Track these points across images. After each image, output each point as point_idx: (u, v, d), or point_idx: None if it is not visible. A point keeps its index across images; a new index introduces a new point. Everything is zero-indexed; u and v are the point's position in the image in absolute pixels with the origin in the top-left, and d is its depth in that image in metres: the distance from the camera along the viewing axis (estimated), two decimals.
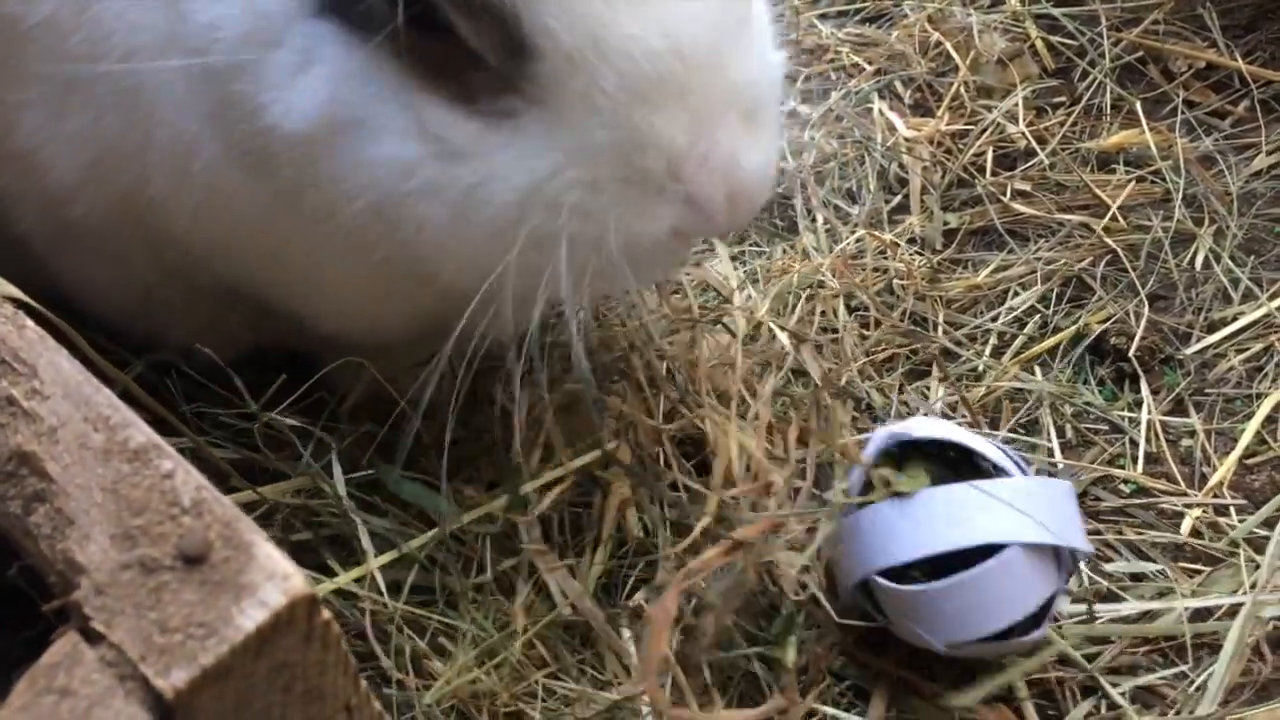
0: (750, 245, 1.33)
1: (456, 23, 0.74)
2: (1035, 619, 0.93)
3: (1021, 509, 0.91)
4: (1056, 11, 1.54)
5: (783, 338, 1.18)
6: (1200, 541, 1.08)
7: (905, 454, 0.98)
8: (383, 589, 0.88)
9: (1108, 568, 1.06)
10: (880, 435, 0.98)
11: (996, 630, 0.91)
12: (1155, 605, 1.03)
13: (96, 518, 0.62)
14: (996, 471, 0.95)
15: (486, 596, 0.94)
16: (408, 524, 0.94)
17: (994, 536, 0.90)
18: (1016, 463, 0.97)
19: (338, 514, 0.90)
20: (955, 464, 0.97)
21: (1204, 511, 1.09)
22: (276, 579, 0.58)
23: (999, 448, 0.97)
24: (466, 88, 0.77)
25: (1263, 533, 1.07)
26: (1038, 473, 1.05)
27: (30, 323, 0.73)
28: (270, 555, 0.59)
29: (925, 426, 0.97)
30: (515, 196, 0.78)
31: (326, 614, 0.60)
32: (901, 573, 0.92)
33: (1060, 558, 0.94)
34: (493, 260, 0.79)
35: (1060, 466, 1.13)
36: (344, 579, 0.87)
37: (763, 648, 0.95)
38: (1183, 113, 1.43)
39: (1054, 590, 0.93)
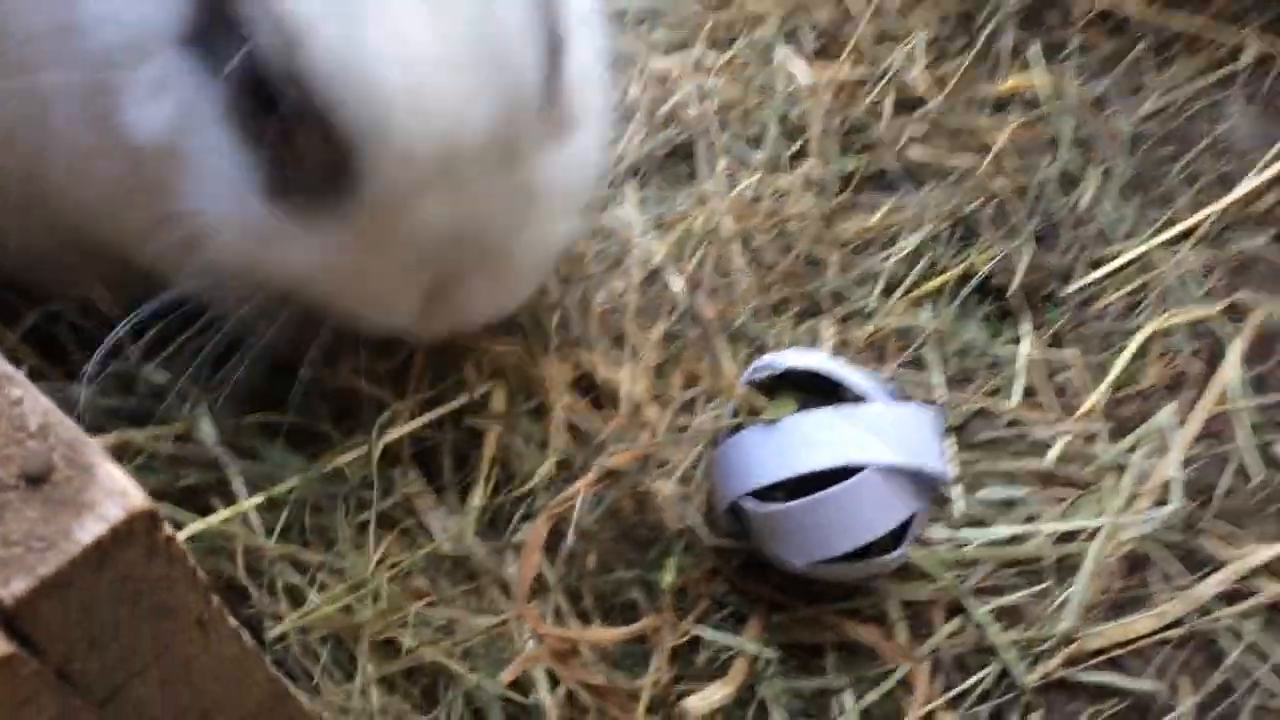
0: (649, 192, 1.36)
1: (299, 131, 0.81)
2: (894, 539, 0.98)
3: (880, 433, 0.95)
4: None
5: (675, 283, 1.22)
6: (1071, 468, 1.12)
7: (778, 385, 1.02)
8: (256, 529, 0.91)
9: (980, 495, 1.11)
10: (753, 367, 1.03)
11: (854, 548, 0.96)
12: (1022, 529, 1.08)
13: None
14: (863, 401, 0.99)
15: (368, 537, 0.97)
16: (286, 468, 0.97)
17: (851, 459, 0.94)
18: (886, 392, 1.01)
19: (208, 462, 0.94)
20: (826, 394, 1.01)
21: (1073, 439, 1.13)
22: (116, 496, 0.61)
23: (868, 378, 1.01)
24: (289, 170, 0.85)
25: (1129, 460, 1.12)
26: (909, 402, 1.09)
27: None
28: (111, 474, 0.62)
29: (795, 358, 1.02)
30: (295, 272, 0.88)
31: (169, 531, 0.63)
32: (768, 496, 0.97)
33: (920, 482, 0.98)
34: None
35: (942, 400, 1.18)
36: (216, 518, 0.90)
37: (641, 571, 0.99)
38: (1079, 57, 1.46)
39: (912, 512, 0.98)
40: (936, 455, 0.99)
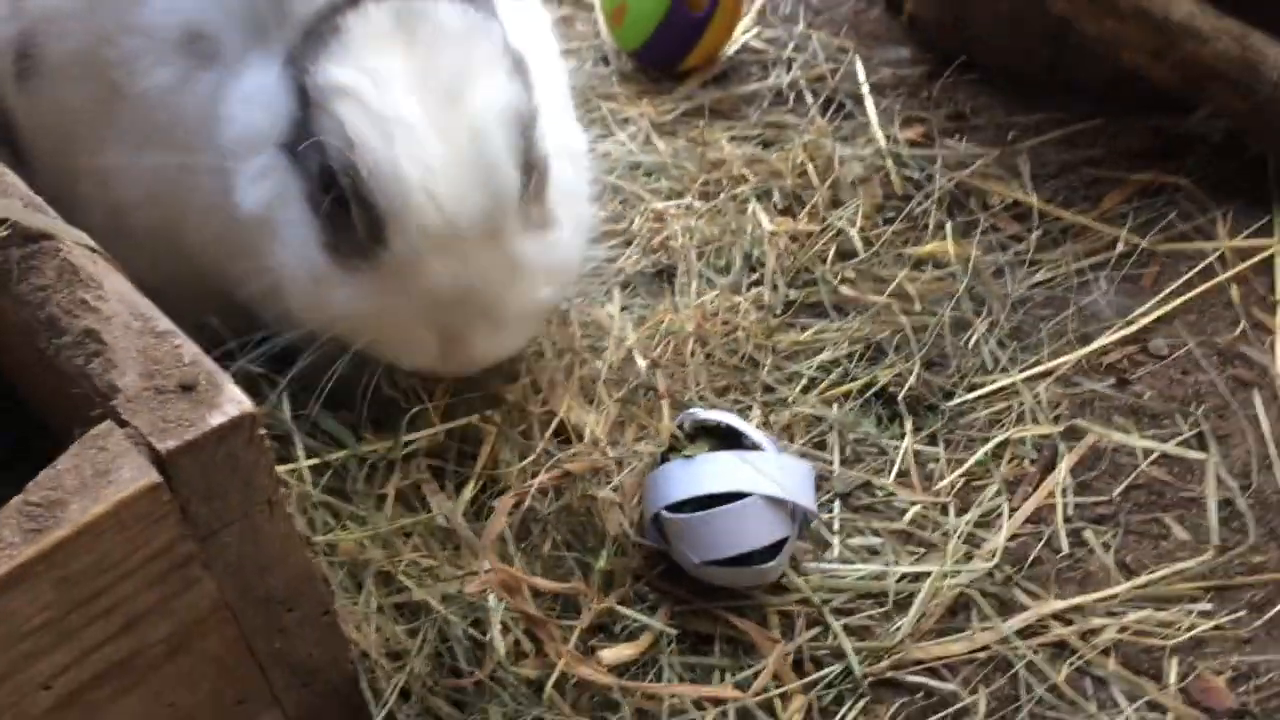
0: (638, 300, 1.74)
1: (353, 207, 1.20)
2: (769, 553, 1.30)
3: (766, 473, 1.29)
4: (906, 152, 1.98)
5: (640, 362, 1.58)
6: (924, 532, 1.45)
7: (699, 433, 1.37)
8: (306, 481, 1.26)
9: (851, 542, 1.44)
10: (680, 417, 1.38)
11: (737, 553, 1.28)
12: (878, 569, 1.40)
13: (131, 366, 1.01)
14: (758, 450, 1.34)
15: (385, 504, 1.32)
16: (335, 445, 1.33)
17: (743, 486, 1.28)
18: (776, 448, 1.36)
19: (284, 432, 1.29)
20: (732, 442, 1.36)
21: (928, 510, 1.46)
22: (234, 403, 0.97)
23: (765, 436, 1.36)
24: (342, 237, 1.24)
25: (968, 529, 1.44)
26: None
27: (100, 257, 1.13)
28: (234, 391, 0.98)
29: (711, 413, 1.37)
30: (342, 310, 1.25)
31: (263, 431, 0.98)
32: (680, 510, 1.30)
33: (795, 515, 1.32)
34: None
35: (836, 473, 1.51)
36: (282, 468, 1.25)
37: (580, 554, 1.32)
38: (988, 235, 1.84)
39: (785, 535, 1.31)
40: (808, 496, 1.33)
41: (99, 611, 0.94)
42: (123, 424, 0.95)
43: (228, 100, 1.30)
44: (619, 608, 1.31)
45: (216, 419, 0.95)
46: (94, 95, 1.42)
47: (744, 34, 2.36)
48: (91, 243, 1.16)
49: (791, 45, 2.33)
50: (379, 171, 1.17)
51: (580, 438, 1.44)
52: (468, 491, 1.35)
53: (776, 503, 1.29)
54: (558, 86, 1.48)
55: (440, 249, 1.20)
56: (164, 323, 1.05)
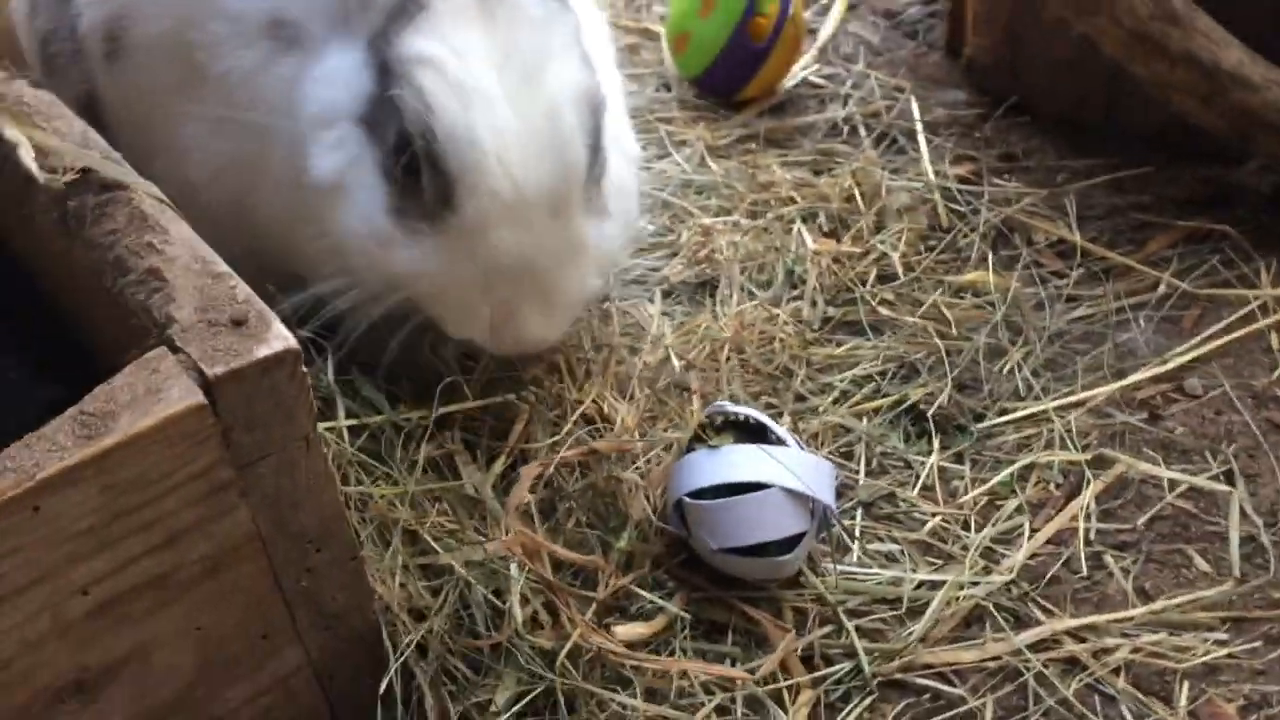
0: (679, 307, 1.78)
1: (424, 170, 1.26)
2: (787, 545, 1.33)
3: (788, 467, 1.32)
4: (954, 187, 2.01)
5: (676, 362, 1.62)
6: (944, 544, 1.46)
7: (724, 425, 1.40)
8: (345, 441, 1.31)
9: (870, 548, 1.45)
10: (708, 409, 1.41)
11: (756, 543, 1.31)
12: (894, 575, 1.41)
13: (188, 301, 1.07)
14: (781, 443, 1.37)
15: (419, 471, 1.36)
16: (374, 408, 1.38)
17: (764, 478, 1.31)
18: (798, 444, 1.38)
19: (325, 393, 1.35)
20: (756, 436, 1.39)
21: (950, 523, 1.48)
22: (280, 338, 1.02)
23: (787, 433, 1.39)
24: (409, 202, 1.29)
25: (988, 545, 1.45)
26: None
27: (168, 207, 1.20)
28: (280, 328, 1.03)
29: (736, 407, 1.40)
30: (404, 270, 1.30)
31: (305, 368, 1.03)
32: (701, 496, 1.33)
33: (814, 511, 1.34)
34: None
35: (861, 482, 1.53)
36: (322, 425, 1.29)
37: (602, 533, 1.35)
38: (1030, 270, 1.87)
39: (804, 529, 1.33)
40: (828, 492, 1.35)
41: (140, 523, 0.99)
42: (176, 350, 1.01)
43: (307, 81, 1.37)
44: (636, 588, 1.34)
45: (262, 351, 1.01)
46: (176, 76, 1.51)
47: (803, 69, 2.42)
48: (160, 193, 1.23)
49: (849, 82, 2.38)
50: (454, 135, 1.23)
51: (611, 426, 1.48)
52: (498, 465, 1.39)
53: (796, 496, 1.32)
54: (616, 91, 1.54)
55: (506, 217, 1.25)
56: (222, 266, 1.11)
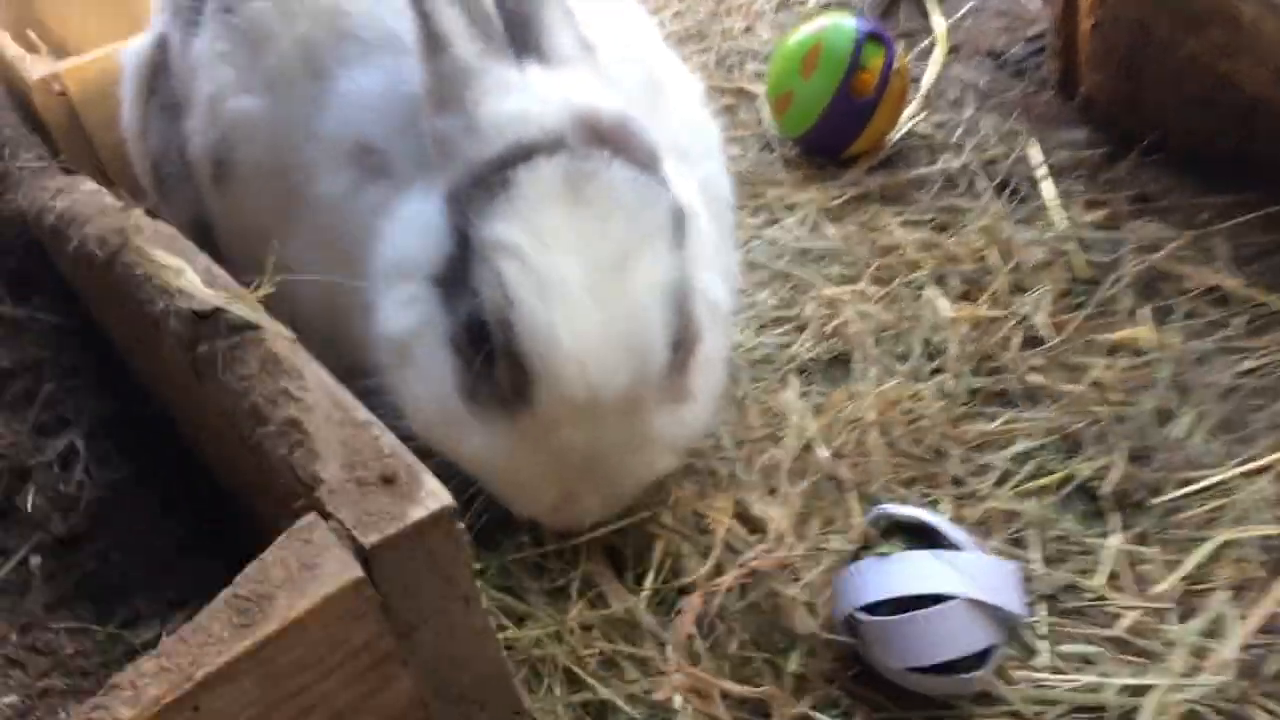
0: (814, 387, 1.69)
1: (499, 361, 1.19)
2: (976, 660, 1.21)
3: (969, 575, 1.21)
4: (1088, 235, 1.89)
5: (822, 452, 1.52)
6: (1142, 640, 1.33)
7: (891, 529, 1.30)
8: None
9: (1061, 649, 1.33)
10: (873, 513, 1.31)
11: (942, 661, 1.20)
12: (1095, 680, 1.29)
13: (333, 456, 1.01)
14: (954, 547, 1.26)
15: (557, 598, 1.29)
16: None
17: (944, 588, 1.20)
18: (975, 545, 1.27)
19: None
20: (927, 541, 1.28)
21: (1146, 616, 1.35)
22: (435, 496, 0.95)
23: (962, 533, 1.28)
24: (481, 384, 1.22)
25: (1193, 638, 1.32)
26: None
27: (300, 346, 1.14)
28: (433, 484, 0.96)
29: (905, 510, 1.30)
30: (472, 455, 1.24)
31: (461, 525, 0.96)
32: (875, 611, 1.23)
33: (999, 618, 1.23)
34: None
35: (1039, 573, 1.41)
36: None
37: (769, 655, 1.26)
38: (1184, 320, 1.73)
39: (992, 642, 1.22)
40: (1016, 599, 1.23)
41: (299, 710, 0.93)
42: (326, 516, 0.95)
43: (389, 218, 1.32)
44: (813, 713, 1.24)
45: (417, 513, 0.94)
46: (277, 196, 1.47)
47: (910, 119, 2.32)
48: (291, 334, 1.18)
49: (960, 129, 2.28)
50: (534, 333, 1.16)
51: (761, 531, 1.39)
52: (649, 582, 1.30)
53: (981, 606, 1.21)
54: (719, 233, 1.45)
55: (579, 416, 1.18)
56: (363, 413, 1.05)
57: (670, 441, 1.26)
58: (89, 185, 1.51)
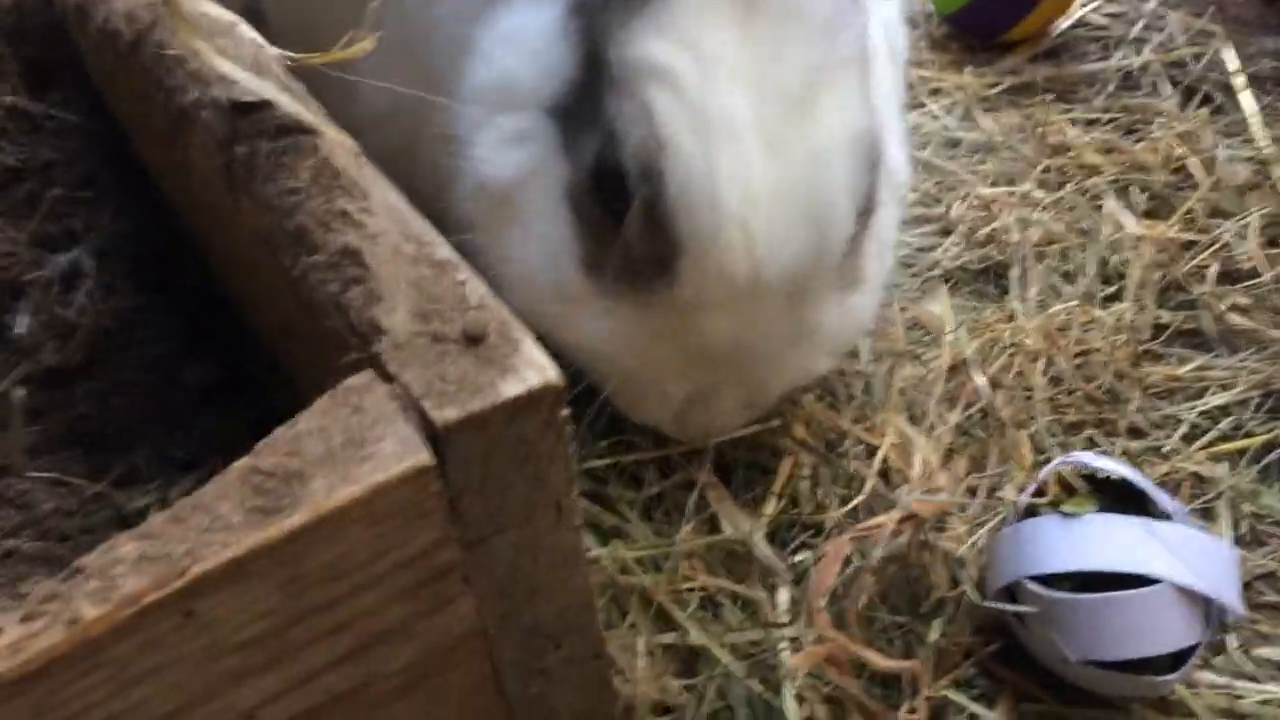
0: (958, 301, 1.41)
1: (638, 223, 0.90)
2: (1172, 662, 0.96)
3: (1181, 554, 0.95)
4: None
5: (979, 378, 1.25)
6: None
7: (1081, 484, 1.03)
8: None
9: (1256, 652, 1.07)
10: (1059, 460, 1.04)
11: (1135, 656, 0.94)
12: None
13: (401, 300, 0.75)
14: (1165, 517, 0.99)
15: (657, 518, 1.04)
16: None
17: (1149, 569, 0.94)
18: (1186, 518, 1.01)
19: None
20: (1125, 503, 1.01)
21: None
22: (535, 367, 0.69)
23: (1170, 498, 1.01)
24: (606, 251, 0.93)
25: None
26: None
27: (369, 164, 0.88)
28: (534, 350, 0.70)
29: (1103, 461, 1.03)
30: (588, 343, 0.97)
31: (566, 411, 0.71)
32: (1052, 585, 0.97)
33: (1210, 615, 0.97)
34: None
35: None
36: None
37: (909, 620, 1.01)
38: None
39: (1197, 640, 0.96)
40: (1235, 592, 0.97)
41: (327, 628, 0.69)
42: (388, 378, 0.69)
43: (488, 32, 1.02)
44: (954, 695, 0.99)
45: (511, 387, 0.68)
46: None
47: (1083, 6, 1.99)
48: (357, 146, 0.91)
49: (1141, 23, 1.95)
50: (688, 187, 0.87)
51: (900, 468, 1.13)
52: (768, 507, 1.05)
53: (1191, 597, 0.95)
54: (895, 91, 1.15)
55: (735, 298, 0.91)
56: (445, 250, 0.78)
57: (834, 337, 0.99)
58: None
